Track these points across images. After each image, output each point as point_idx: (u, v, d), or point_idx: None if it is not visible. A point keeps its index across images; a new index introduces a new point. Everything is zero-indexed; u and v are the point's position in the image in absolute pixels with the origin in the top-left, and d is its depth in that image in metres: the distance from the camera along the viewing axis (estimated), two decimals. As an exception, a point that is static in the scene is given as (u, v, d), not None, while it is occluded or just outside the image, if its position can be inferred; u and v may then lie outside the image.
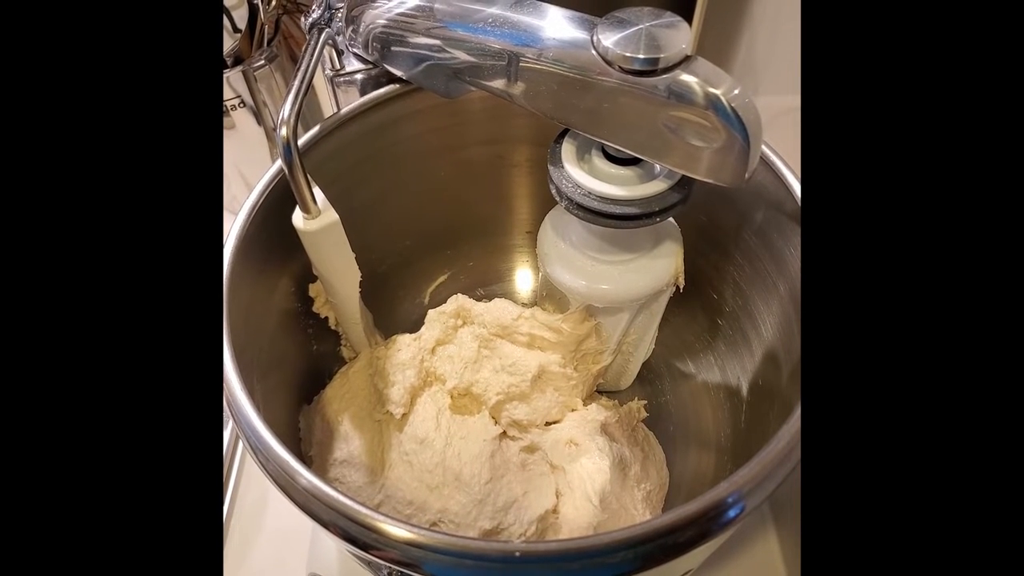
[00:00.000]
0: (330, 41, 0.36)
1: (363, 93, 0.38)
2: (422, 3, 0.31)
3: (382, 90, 0.37)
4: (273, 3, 0.51)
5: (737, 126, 0.23)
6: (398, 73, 0.35)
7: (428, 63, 0.32)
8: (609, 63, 0.25)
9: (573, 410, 0.41)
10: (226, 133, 0.54)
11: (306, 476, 0.22)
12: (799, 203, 0.30)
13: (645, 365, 0.44)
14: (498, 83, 0.29)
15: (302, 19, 0.36)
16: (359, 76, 0.40)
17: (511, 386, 0.39)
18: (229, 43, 0.49)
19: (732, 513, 0.22)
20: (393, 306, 0.46)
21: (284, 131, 0.28)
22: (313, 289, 0.37)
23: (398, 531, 0.21)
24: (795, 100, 0.62)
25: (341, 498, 0.22)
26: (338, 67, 0.40)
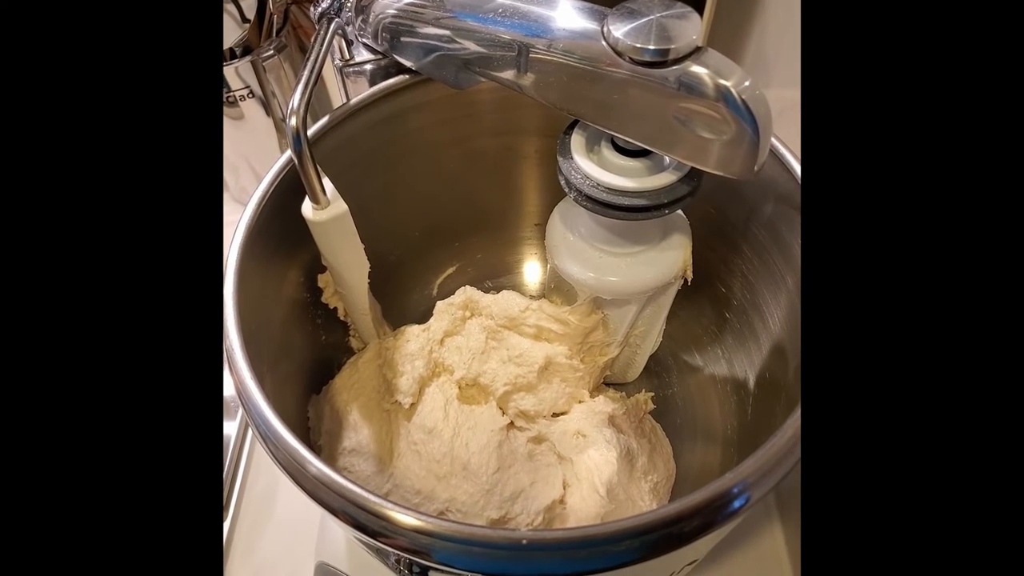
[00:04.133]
0: (339, 31, 0.36)
1: (372, 84, 0.38)
2: (432, -7, 0.31)
3: (391, 81, 0.37)
4: (282, -7, 0.51)
5: (747, 118, 0.23)
6: (407, 64, 0.35)
7: (438, 54, 0.32)
8: (619, 54, 0.24)
9: (580, 402, 0.41)
10: (235, 124, 0.54)
11: (315, 464, 0.23)
12: (809, 196, 0.30)
13: (652, 357, 0.44)
14: (508, 74, 0.29)
15: (311, 9, 0.36)
16: (368, 66, 0.40)
17: (518, 377, 0.39)
18: (238, 33, 0.49)
19: (737, 504, 0.22)
20: (402, 297, 0.46)
21: (294, 121, 0.28)
22: (322, 280, 0.38)
23: (407, 519, 0.21)
24: (806, 92, 0.61)
25: (350, 486, 0.22)
26: (347, 57, 0.40)
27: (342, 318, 0.40)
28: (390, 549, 0.22)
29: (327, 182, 0.31)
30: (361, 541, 0.23)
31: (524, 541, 0.21)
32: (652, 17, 0.24)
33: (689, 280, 0.36)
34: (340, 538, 0.40)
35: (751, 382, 0.38)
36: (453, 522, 0.21)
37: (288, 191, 0.32)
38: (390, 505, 0.21)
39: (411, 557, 0.22)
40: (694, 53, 0.24)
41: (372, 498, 0.22)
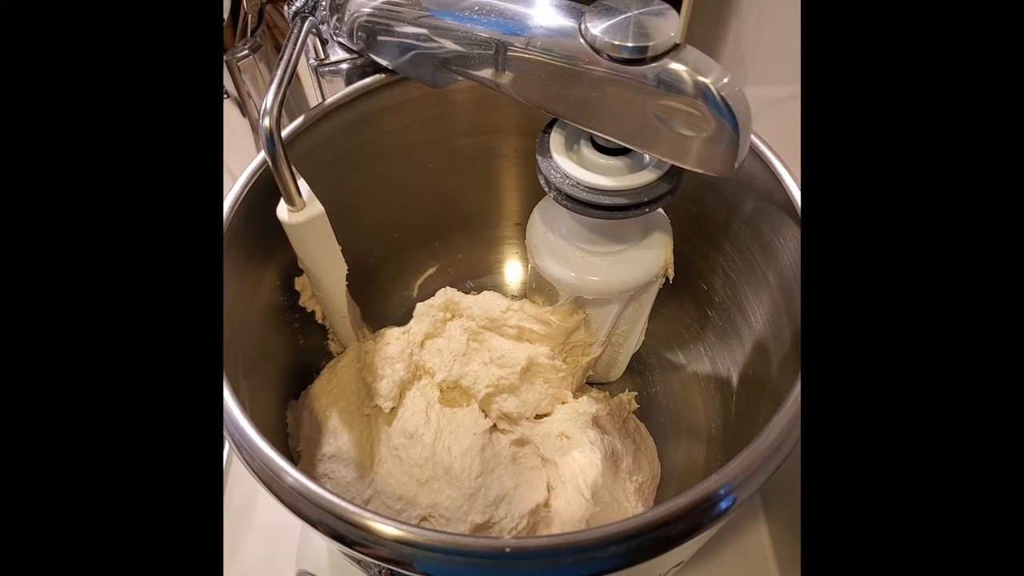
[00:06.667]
0: (314, 30, 0.35)
1: (348, 83, 0.38)
2: (407, -9, 0.30)
3: (368, 80, 0.36)
4: (256, -9, 0.50)
5: (727, 115, 0.23)
6: (384, 63, 0.34)
7: (414, 52, 0.32)
8: (597, 51, 0.24)
9: (563, 402, 0.41)
10: (210, 125, 0.53)
11: (292, 474, 0.22)
12: (789, 194, 0.30)
13: (635, 356, 0.44)
14: (486, 73, 0.29)
15: (285, 8, 0.35)
16: (344, 66, 0.39)
17: (500, 379, 0.38)
18: (211, 33, 0.48)
19: (724, 505, 0.22)
20: (381, 299, 0.46)
21: (267, 121, 0.28)
22: (299, 283, 0.37)
23: (387, 528, 0.21)
24: (784, 90, 0.62)
25: (328, 496, 0.21)
26: (322, 56, 0.39)
27: (320, 321, 0.39)
28: (370, 560, 0.21)
29: (303, 183, 0.31)
30: (342, 552, 0.23)
31: (507, 549, 0.20)
32: (630, 14, 0.24)
33: (671, 278, 0.36)
34: (321, 546, 0.40)
35: (734, 379, 0.38)
36: (434, 531, 0.21)
37: (263, 193, 0.32)
38: (369, 515, 0.21)
39: (392, 567, 0.21)
40: (672, 50, 0.24)
41: (351, 508, 0.21)
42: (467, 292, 0.42)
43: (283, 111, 0.29)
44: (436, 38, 0.30)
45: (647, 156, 0.29)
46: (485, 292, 0.41)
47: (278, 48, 0.55)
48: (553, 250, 0.35)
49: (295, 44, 0.31)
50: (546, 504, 0.35)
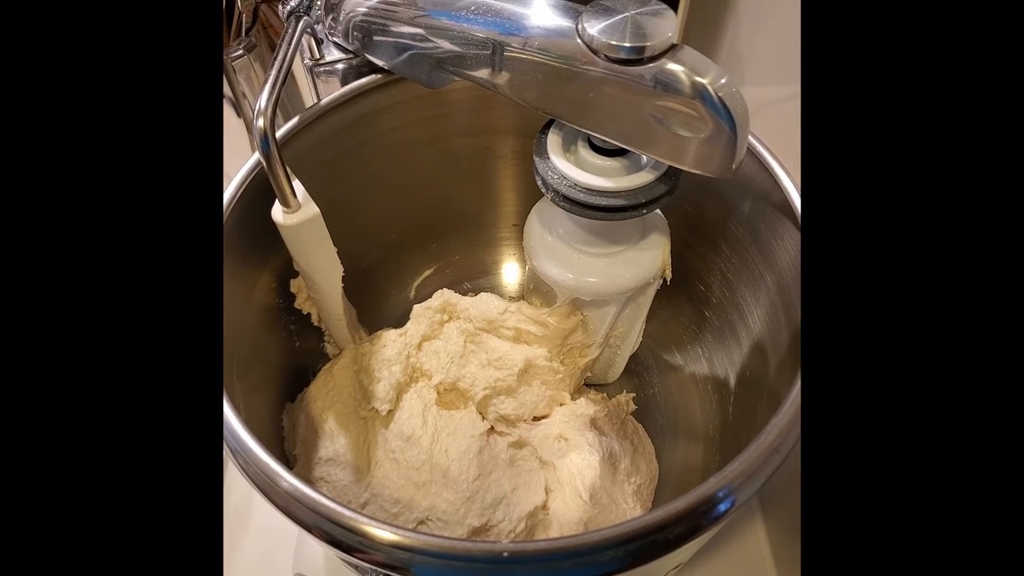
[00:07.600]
0: (309, 30, 0.35)
1: (344, 83, 0.37)
2: (403, -10, 0.30)
3: (363, 80, 0.36)
4: (251, -9, 0.49)
5: (724, 116, 0.23)
6: (380, 63, 0.34)
7: (411, 52, 0.31)
8: (594, 52, 0.24)
9: (561, 404, 0.41)
10: (205, 125, 0.53)
11: (287, 479, 0.22)
12: (786, 194, 0.30)
13: (633, 358, 0.44)
14: (482, 73, 0.29)
15: (280, 7, 0.35)
16: (340, 66, 0.39)
17: (498, 380, 0.38)
18: (206, 33, 0.48)
19: (722, 507, 0.22)
20: (378, 301, 0.46)
21: (261, 122, 0.28)
22: (295, 285, 0.37)
23: (383, 533, 0.20)
24: (781, 91, 0.62)
25: (324, 500, 0.21)
26: (318, 56, 0.39)
27: (316, 324, 0.39)
28: (367, 565, 0.21)
29: (298, 184, 0.31)
30: (338, 556, 0.23)
31: (505, 554, 0.20)
32: (627, 15, 0.24)
33: (668, 279, 0.36)
34: (318, 550, 0.40)
35: (732, 380, 0.38)
36: (432, 536, 0.21)
37: (258, 194, 0.31)
38: (366, 520, 0.21)
39: (389, 572, 0.21)
40: (670, 50, 0.23)
41: (347, 512, 0.21)
42: (464, 294, 0.41)
43: (278, 111, 0.28)
44: (432, 38, 0.30)
45: (644, 157, 0.29)
46: (482, 294, 0.41)
47: (273, 48, 0.54)
48: (551, 251, 0.35)
49: (290, 44, 0.31)
50: (544, 507, 0.35)
